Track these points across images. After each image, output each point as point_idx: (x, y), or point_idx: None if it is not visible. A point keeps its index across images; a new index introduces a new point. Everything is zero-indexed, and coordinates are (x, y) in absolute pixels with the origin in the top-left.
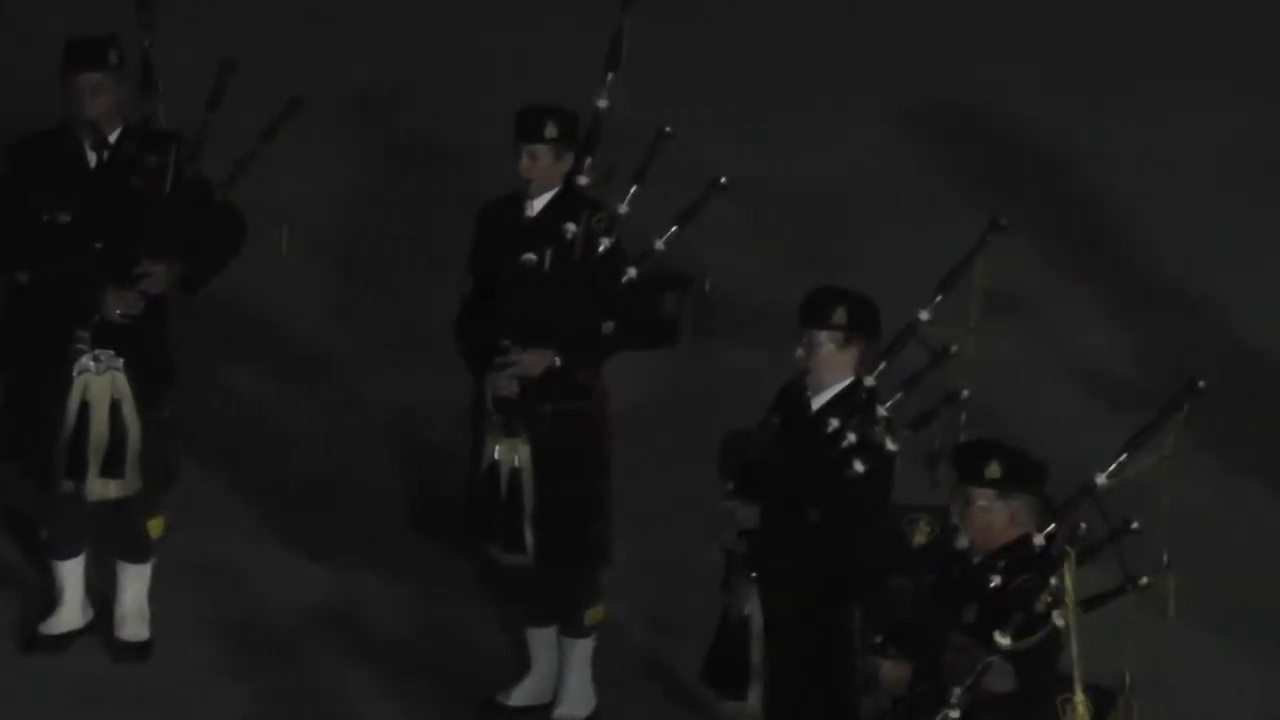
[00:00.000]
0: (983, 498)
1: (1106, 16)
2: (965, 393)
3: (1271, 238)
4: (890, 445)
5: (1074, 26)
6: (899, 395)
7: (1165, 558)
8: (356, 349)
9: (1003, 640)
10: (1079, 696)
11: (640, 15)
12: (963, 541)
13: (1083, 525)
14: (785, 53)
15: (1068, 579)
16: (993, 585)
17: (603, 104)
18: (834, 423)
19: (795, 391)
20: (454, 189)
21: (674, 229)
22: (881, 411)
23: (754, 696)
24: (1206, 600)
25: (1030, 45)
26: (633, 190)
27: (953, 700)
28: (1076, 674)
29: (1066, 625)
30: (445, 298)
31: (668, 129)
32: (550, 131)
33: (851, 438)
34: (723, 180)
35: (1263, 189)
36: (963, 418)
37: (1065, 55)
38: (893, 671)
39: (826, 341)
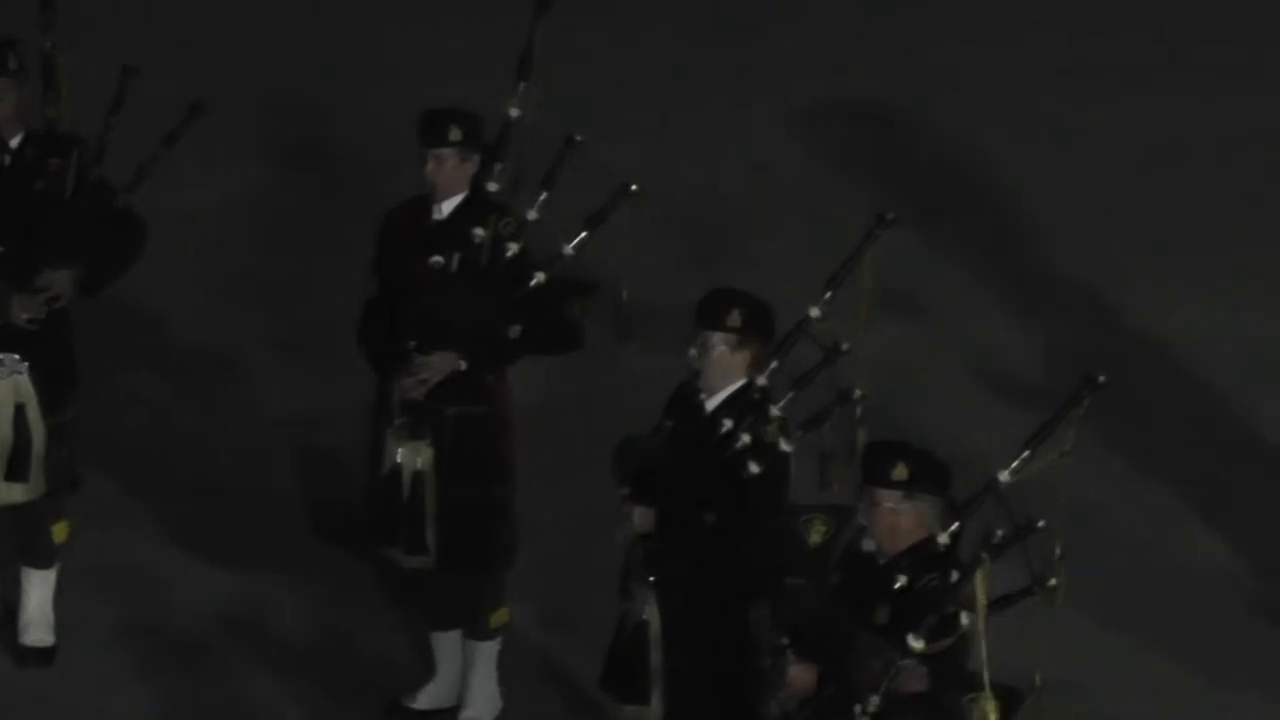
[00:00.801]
0: (889, 499)
1: (1013, 11)
2: (858, 391)
3: (1174, 238)
4: (784, 446)
5: (980, 22)
6: (791, 395)
7: (1058, 550)
8: (258, 352)
9: (916, 643)
10: (988, 694)
11: (547, 20)
12: (869, 543)
13: (999, 532)
14: (682, 54)
15: (980, 584)
16: (898, 586)
17: (514, 113)
18: (727, 424)
19: (689, 394)
20: (358, 192)
21: (582, 234)
22: (775, 411)
23: (654, 701)
24: (1112, 597)
25: (934, 42)
26: (542, 196)
27: (868, 706)
28: (986, 676)
29: (975, 627)
30: (348, 301)
31: (578, 137)
32: (454, 135)
33: (745, 439)
34: (633, 187)
35: (1168, 190)
36: (857, 413)
37: (969, 53)
38: (800, 674)
39: (720, 343)
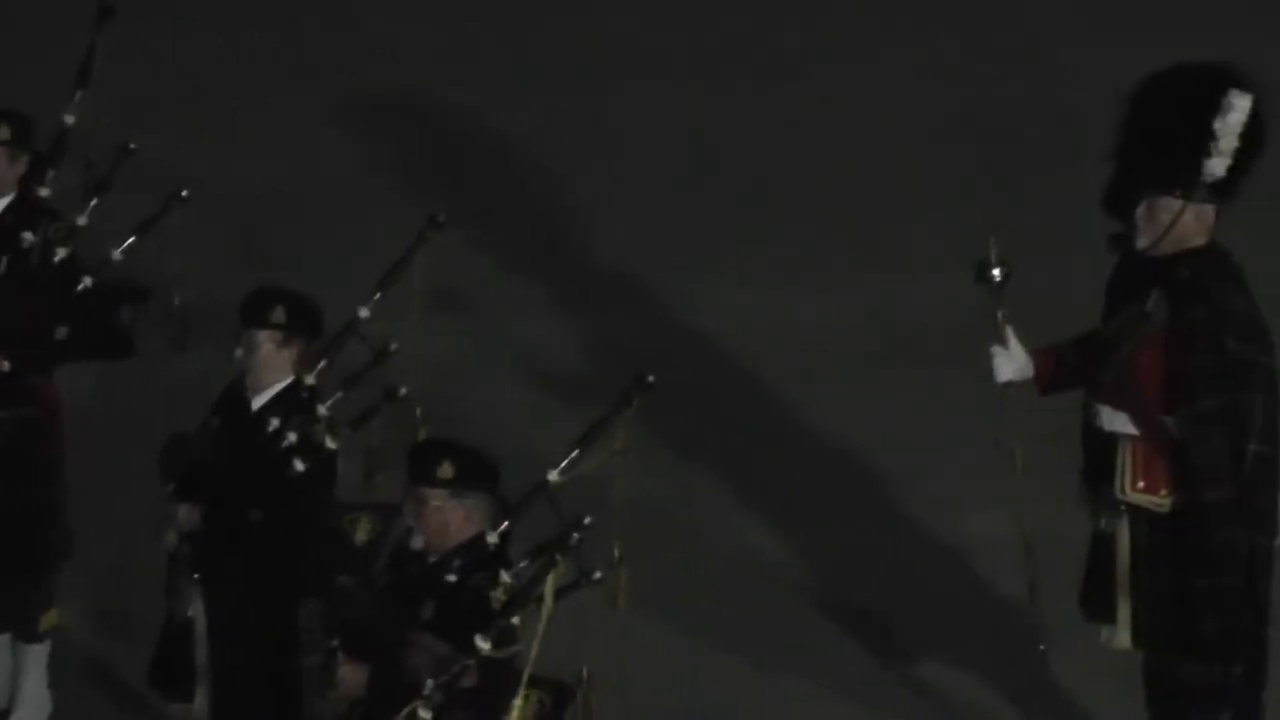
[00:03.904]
0: (436, 498)
1: (562, 9)
2: (404, 390)
3: (714, 230)
4: (330, 444)
5: (527, 20)
6: (339, 394)
7: (616, 552)
8: None
9: (484, 645)
10: (520, 698)
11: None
12: (418, 542)
13: (576, 535)
14: (228, 54)
15: (549, 587)
16: (448, 582)
17: (69, 119)
18: (274, 422)
19: (236, 392)
20: None
21: (131, 239)
22: (322, 410)
23: (199, 698)
24: (663, 591)
25: (481, 40)
26: (92, 202)
27: (425, 693)
28: (527, 672)
29: (523, 623)
30: None
31: (132, 145)
32: (2, 133)
33: (292, 437)
34: (184, 193)
35: (707, 182)
36: (418, 414)
37: (514, 50)
38: (350, 674)
39: (265, 341)
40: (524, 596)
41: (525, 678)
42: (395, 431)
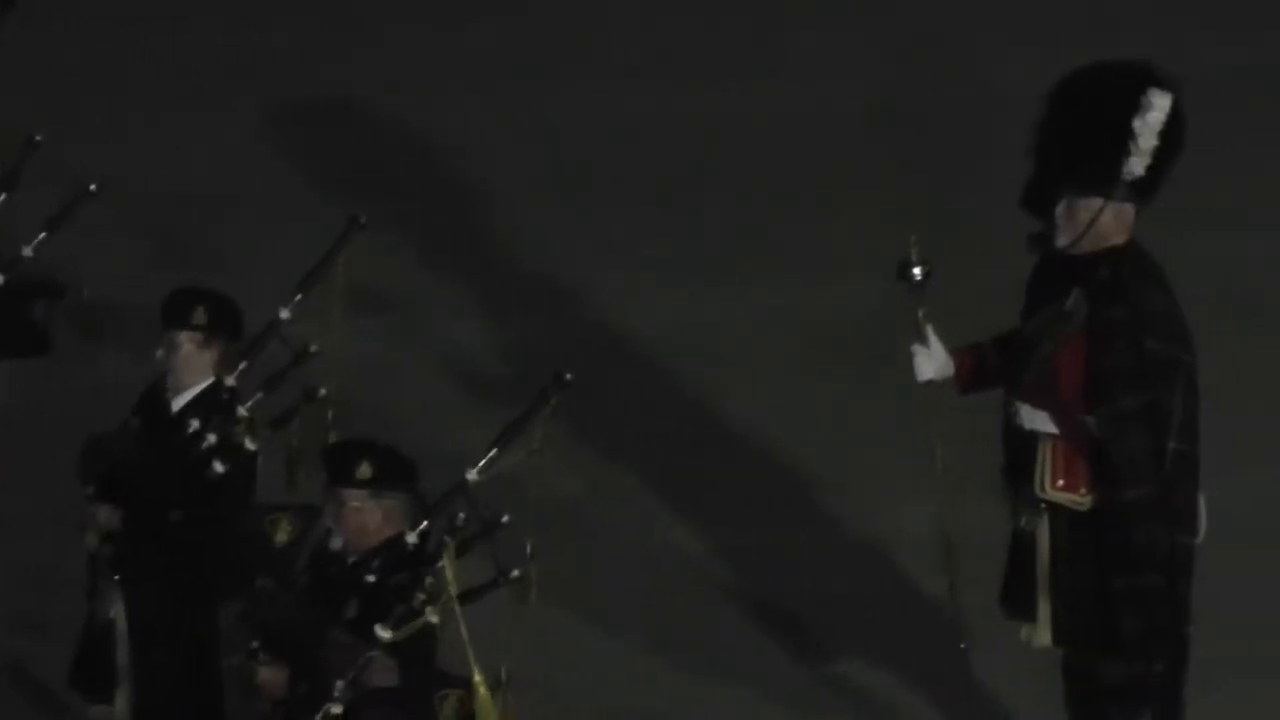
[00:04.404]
0: (355, 498)
1: (458, 15)
2: (323, 390)
3: (631, 229)
4: (250, 445)
5: (434, 12)
6: (259, 395)
7: (529, 549)
8: None
9: (384, 633)
10: (478, 679)
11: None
12: (337, 542)
13: (461, 515)
14: (148, 51)
15: (449, 570)
16: (368, 583)
17: None
18: (194, 423)
19: (157, 393)
20: None
21: (42, 235)
22: (242, 411)
23: (121, 699)
24: (584, 590)
25: (398, 43)
26: (1, 198)
27: (335, 694)
28: (474, 663)
29: (442, 621)
30: None
31: (38, 138)
32: None
33: (212, 438)
34: (92, 187)
35: (628, 181)
36: (329, 416)
37: (433, 53)
38: (270, 676)
39: (186, 342)
40: (420, 581)
41: (450, 675)
42: (315, 432)
